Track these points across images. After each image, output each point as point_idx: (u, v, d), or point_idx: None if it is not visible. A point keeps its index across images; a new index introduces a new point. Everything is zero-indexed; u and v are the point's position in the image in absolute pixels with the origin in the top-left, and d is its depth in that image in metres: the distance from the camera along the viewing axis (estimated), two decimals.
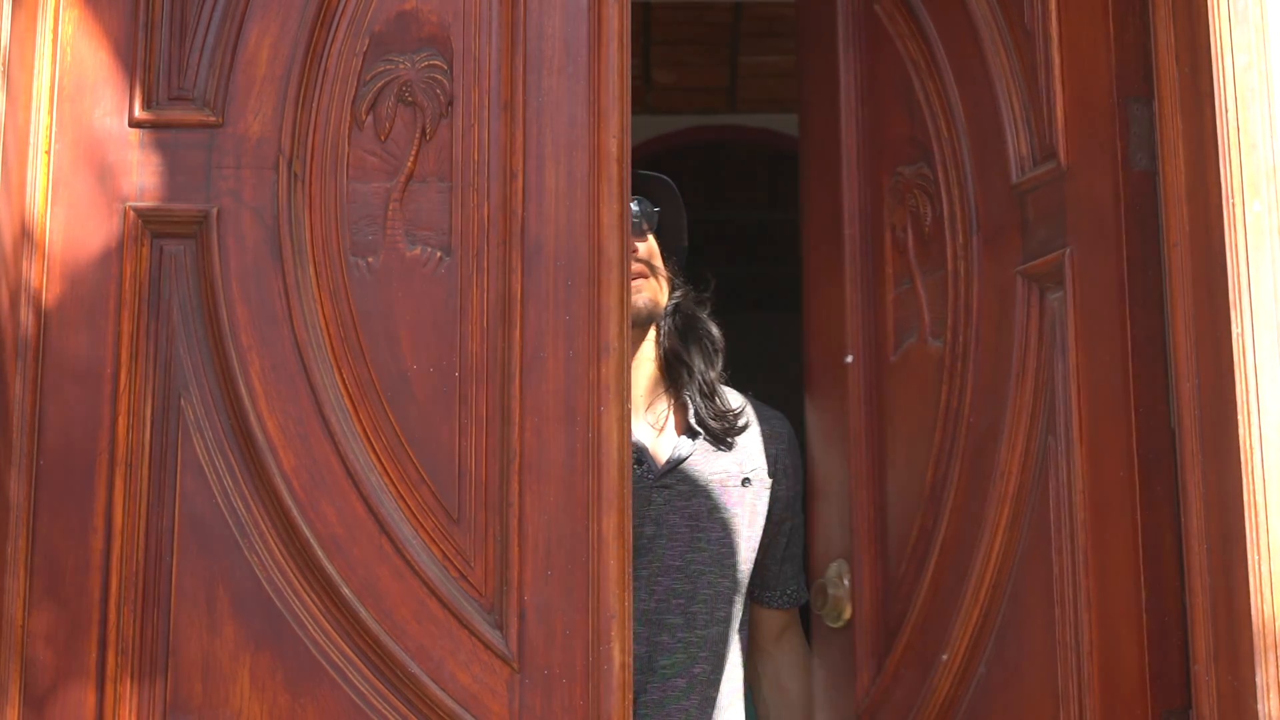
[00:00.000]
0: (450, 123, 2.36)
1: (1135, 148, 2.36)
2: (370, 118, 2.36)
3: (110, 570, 2.24)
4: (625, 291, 2.33)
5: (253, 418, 2.27)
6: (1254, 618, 2.04)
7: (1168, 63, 2.28)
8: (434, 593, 2.25)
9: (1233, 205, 2.13)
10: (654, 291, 2.82)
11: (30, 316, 2.28)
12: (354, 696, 2.23)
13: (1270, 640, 2.03)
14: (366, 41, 2.37)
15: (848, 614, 2.73)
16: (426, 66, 2.37)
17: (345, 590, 2.25)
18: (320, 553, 2.25)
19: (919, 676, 2.59)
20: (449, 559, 2.27)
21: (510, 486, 2.27)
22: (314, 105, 2.35)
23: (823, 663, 2.83)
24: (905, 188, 2.73)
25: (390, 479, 2.28)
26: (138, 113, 2.34)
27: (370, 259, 2.33)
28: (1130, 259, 2.33)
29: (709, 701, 2.75)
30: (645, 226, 2.83)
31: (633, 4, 2.40)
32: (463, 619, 2.25)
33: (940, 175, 2.66)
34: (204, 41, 2.36)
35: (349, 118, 2.35)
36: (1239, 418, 2.08)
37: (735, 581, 2.80)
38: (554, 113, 2.35)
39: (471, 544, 2.27)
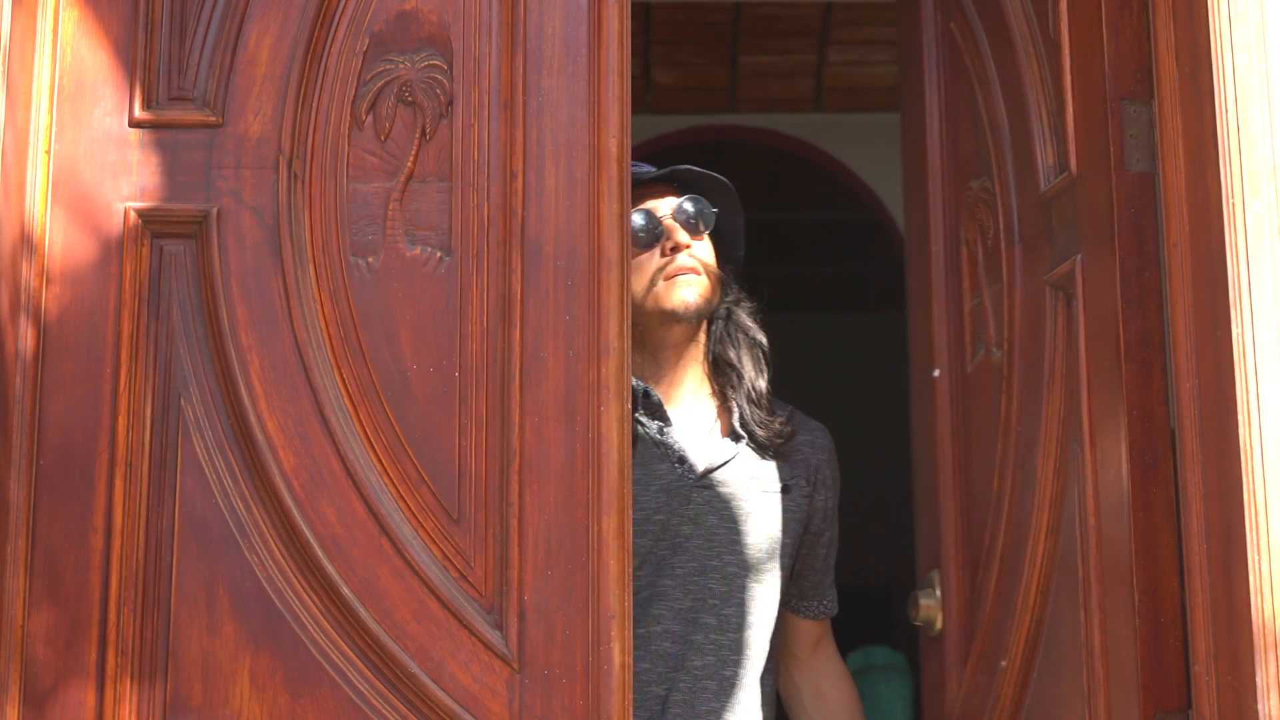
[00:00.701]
0: (450, 123, 2.36)
1: (1134, 149, 2.36)
2: (370, 118, 2.36)
3: (110, 570, 2.24)
4: (625, 291, 2.33)
5: (253, 418, 2.27)
6: (1254, 618, 2.04)
7: (1168, 63, 2.28)
8: (434, 593, 2.25)
9: (1233, 205, 2.12)
10: (705, 289, 2.79)
11: (30, 317, 2.28)
12: (354, 696, 2.23)
13: (1270, 640, 2.03)
14: (366, 41, 2.37)
15: (939, 623, 2.74)
16: (426, 66, 2.37)
17: (345, 590, 2.25)
18: (320, 553, 2.25)
19: (988, 683, 2.60)
20: (449, 559, 2.27)
21: (510, 486, 2.27)
22: (314, 105, 2.35)
23: (926, 670, 2.83)
24: (974, 202, 2.75)
25: (390, 479, 2.28)
26: (138, 113, 2.34)
27: (370, 259, 2.33)
28: (1131, 260, 2.33)
29: (739, 706, 2.73)
30: (701, 225, 2.80)
31: (633, 4, 2.40)
32: (463, 619, 2.25)
33: (997, 188, 2.67)
34: (204, 41, 2.36)
35: (349, 118, 2.36)
36: (1239, 418, 2.08)
37: (770, 588, 2.79)
38: (554, 113, 2.35)
39: (471, 544, 2.27)
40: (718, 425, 2.83)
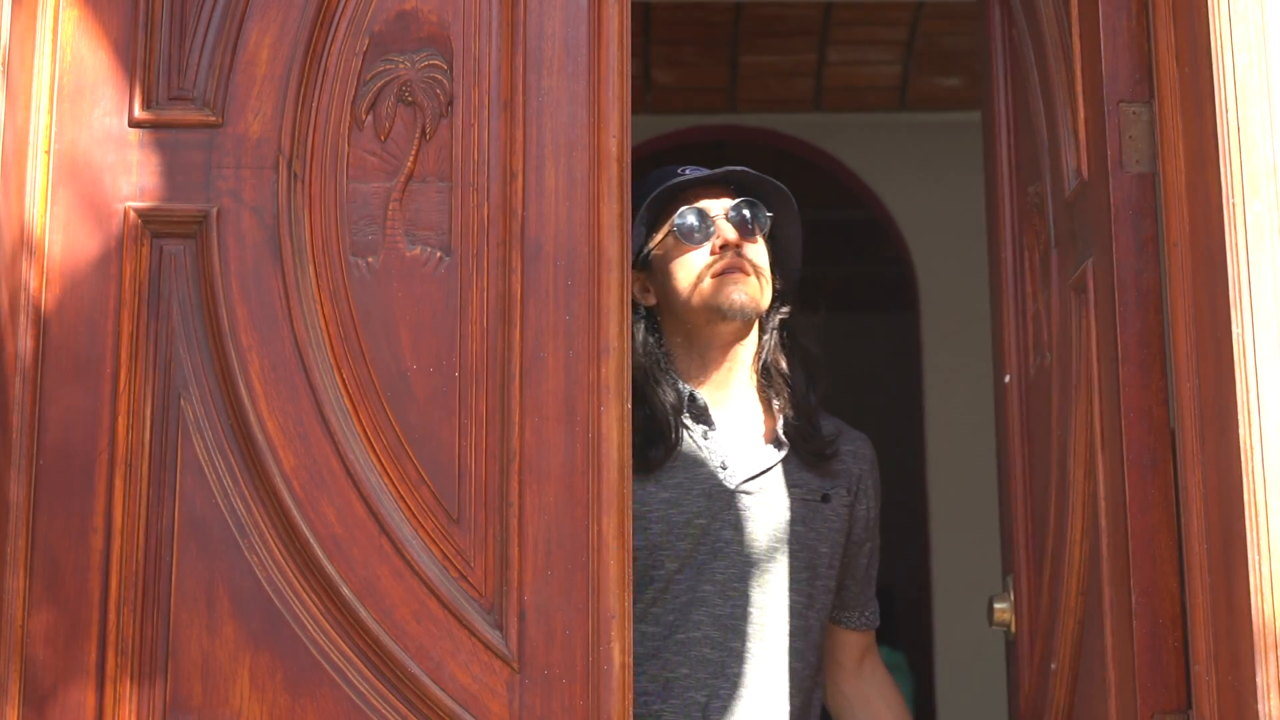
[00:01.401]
0: (450, 123, 2.36)
1: (1133, 150, 2.36)
2: (370, 118, 2.36)
3: (110, 570, 2.24)
4: (625, 291, 2.33)
5: (253, 418, 2.27)
6: (1254, 618, 2.04)
7: (1168, 63, 2.28)
8: (434, 593, 2.25)
9: (1233, 205, 2.12)
10: (754, 290, 2.75)
11: (30, 317, 2.28)
12: (354, 696, 2.23)
13: (1270, 640, 2.03)
14: (366, 41, 2.37)
15: (1014, 626, 2.74)
16: (426, 66, 2.37)
17: (345, 590, 2.25)
18: (320, 553, 2.25)
19: (1044, 686, 2.60)
20: (449, 559, 2.27)
21: (510, 486, 2.27)
22: (314, 105, 2.35)
23: (1008, 673, 2.82)
24: (1031, 207, 2.75)
25: (390, 479, 2.28)
26: (137, 113, 2.34)
27: (370, 259, 2.33)
28: (1130, 261, 2.34)
29: (779, 715, 2.71)
30: (754, 228, 2.78)
31: (633, 4, 2.40)
32: (463, 619, 2.25)
33: (1046, 192, 2.67)
34: (204, 41, 2.36)
35: (349, 118, 2.36)
36: (1239, 418, 2.08)
37: (809, 598, 2.76)
38: (554, 113, 2.35)
39: (471, 544, 2.27)
40: (762, 431, 2.80)
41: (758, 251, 2.78)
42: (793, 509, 2.76)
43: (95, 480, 2.26)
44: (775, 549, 2.74)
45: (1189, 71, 2.23)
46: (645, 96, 6.26)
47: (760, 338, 2.84)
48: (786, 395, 2.82)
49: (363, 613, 2.24)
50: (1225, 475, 2.11)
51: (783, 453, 2.78)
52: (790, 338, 2.86)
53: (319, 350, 2.29)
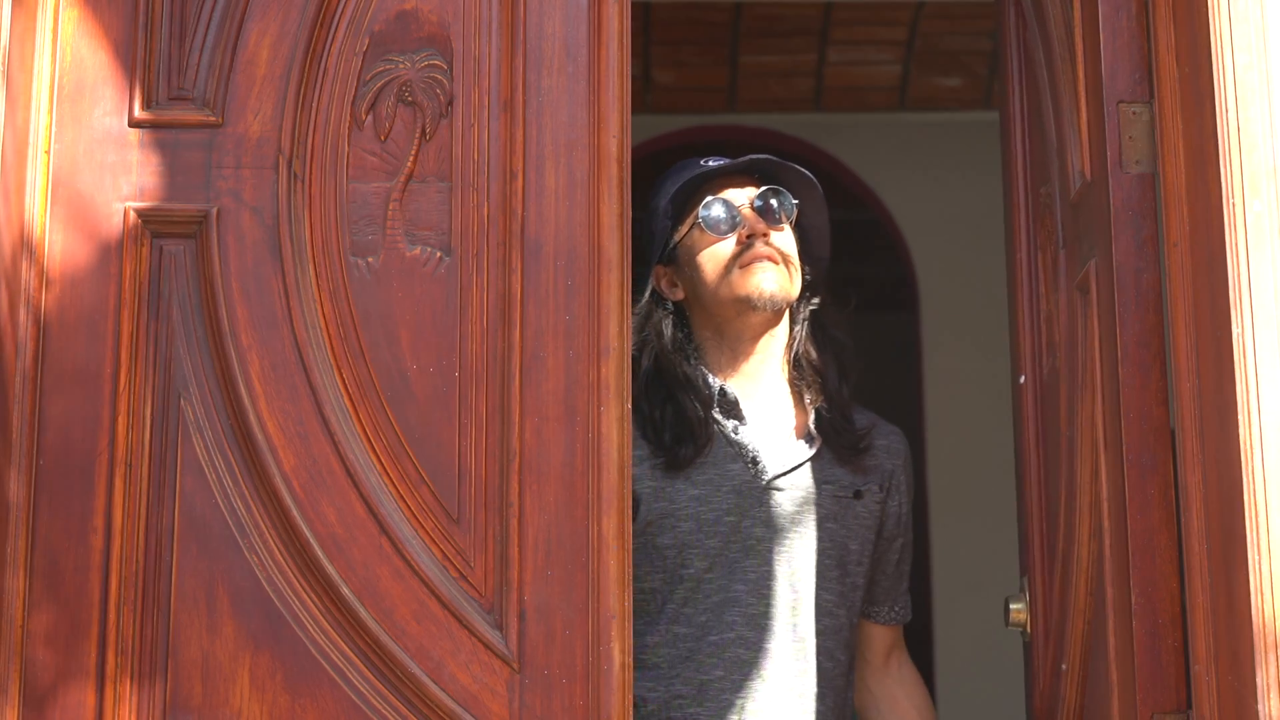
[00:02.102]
0: (450, 123, 2.36)
1: (1132, 150, 2.36)
2: (370, 118, 2.36)
3: (110, 570, 2.24)
4: (625, 291, 2.33)
5: (253, 418, 2.27)
6: (1254, 618, 2.04)
7: (1168, 63, 2.28)
8: (434, 593, 2.25)
9: (1233, 205, 2.12)
10: (783, 279, 2.71)
11: (30, 317, 2.28)
12: (354, 697, 2.23)
13: (1270, 640, 2.03)
14: (366, 41, 2.37)
15: (1029, 627, 2.73)
16: (426, 66, 2.37)
17: (345, 590, 2.25)
18: (320, 553, 2.25)
19: (1056, 686, 2.60)
20: (449, 559, 2.27)
21: (510, 486, 2.27)
22: (314, 105, 2.35)
23: (1025, 673, 2.80)
24: (1042, 208, 2.74)
25: (390, 479, 2.28)
26: (137, 113, 2.34)
27: (370, 259, 2.33)
28: (1129, 261, 2.34)
29: (814, 716, 2.68)
30: (781, 216, 2.73)
31: (633, 4, 2.40)
32: (463, 619, 2.25)
33: (1056, 193, 2.67)
34: (204, 41, 2.36)
35: (349, 118, 2.35)
36: (1239, 418, 2.08)
37: (840, 595, 2.72)
38: (554, 113, 2.35)
39: (471, 544, 2.27)
40: (794, 426, 2.77)
41: (785, 240, 2.74)
42: (824, 505, 2.72)
43: (95, 480, 2.26)
44: (807, 547, 2.70)
45: (1189, 71, 2.23)
46: (645, 96, 6.26)
47: (791, 329, 2.80)
48: (818, 388, 2.78)
49: (363, 613, 2.24)
50: (1225, 475, 2.11)
51: (814, 448, 2.75)
52: (821, 329, 2.82)
53: (319, 350, 2.29)
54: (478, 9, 2.38)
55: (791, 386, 2.79)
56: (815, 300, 2.83)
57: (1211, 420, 2.15)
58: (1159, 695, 2.25)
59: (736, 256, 2.71)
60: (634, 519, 2.61)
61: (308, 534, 2.25)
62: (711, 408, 2.71)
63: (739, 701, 2.63)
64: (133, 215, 2.31)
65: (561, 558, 2.26)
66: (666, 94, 6.35)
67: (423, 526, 2.27)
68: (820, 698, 2.68)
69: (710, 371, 2.74)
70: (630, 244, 2.37)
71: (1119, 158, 2.36)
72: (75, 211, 2.31)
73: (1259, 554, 2.05)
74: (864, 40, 6.09)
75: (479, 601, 2.26)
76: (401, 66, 2.37)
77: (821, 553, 2.71)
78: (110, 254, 2.31)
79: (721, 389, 2.72)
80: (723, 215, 2.72)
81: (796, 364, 2.80)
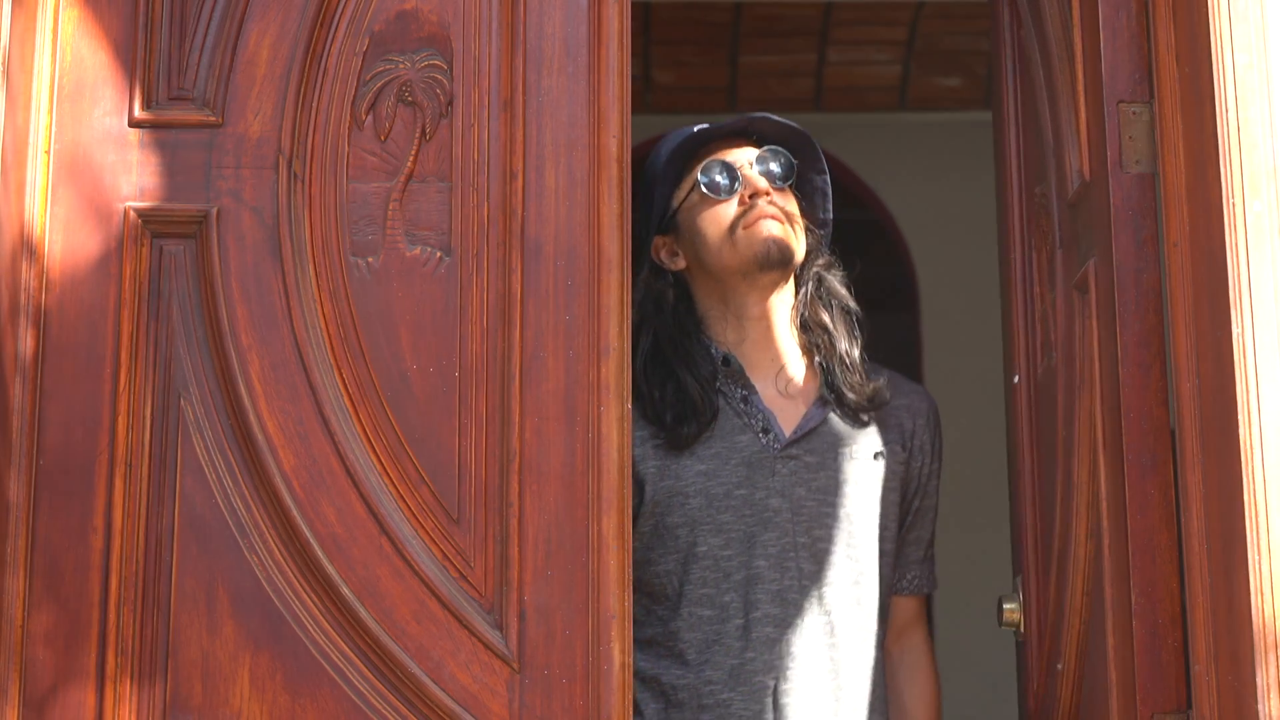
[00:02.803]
0: (450, 123, 2.36)
1: (1132, 150, 2.36)
2: (370, 118, 2.36)
3: (110, 570, 2.24)
4: (625, 291, 2.33)
5: (253, 418, 2.27)
6: (1254, 618, 2.04)
7: (1168, 63, 2.28)
8: (434, 593, 2.25)
9: (1233, 205, 2.12)
10: (787, 235, 2.66)
11: (30, 317, 2.28)
12: (354, 697, 2.23)
13: (1270, 640, 2.03)
14: (366, 41, 2.37)
15: (1023, 626, 2.71)
16: (426, 66, 2.37)
17: (345, 590, 2.25)
18: (320, 553, 2.25)
19: (1051, 686, 2.60)
20: (449, 559, 2.27)
21: (510, 486, 2.27)
22: (314, 105, 2.35)
23: (1018, 673, 2.80)
24: (1038, 208, 2.73)
25: (390, 479, 2.28)
26: (138, 113, 2.34)
27: (370, 259, 2.33)
28: (1129, 261, 2.34)
29: (852, 690, 2.60)
30: (782, 175, 2.68)
31: (633, 4, 2.40)
32: (463, 619, 2.25)
33: (1052, 193, 2.66)
34: (204, 41, 2.36)
35: (349, 118, 2.36)
36: (1239, 418, 2.08)
37: (865, 563, 2.63)
38: (554, 113, 2.35)
39: (471, 544, 2.27)
40: (806, 390, 2.70)
41: (787, 200, 2.70)
42: (843, 470, 2.65)
43: (95, 480, 2.26)
44: (826, 514, 2.63)
45: (1189, 71, 2.23)
46: (645, 96, 6.26)
47: (796, 292, 2.74)
48: (829, 349, 2.71)
49: (363, 613, 2.24)
50: (1225, 475, 2.11)
51: (828, 411, 2.68)
52: (827, 292, 2.76)
53: (319, 350, 2.30)
54: (478, 9, 2.38)
55: (802, 351, 2.73)
56: (820, 262, 2.76)
57: (1211, 420, 2.15)
58: (1159, 695, 2.25)
59: (740, 218, 2.66)
60: (640, 500, 2.59)
61: (308, 534, 2.26)
62: (715, 381, 2.65)
63: (771, 683, 2.56)
64: (133, 215, 2.31)
65: (561, 558, 2.26)
66: (666, 94, 6.35)
67: (423, 526, 2.27)
68: (854, 672, 2.61)
69: (714, 343, 2.69)
70: (630, 244, 2.37)
71: (1119, 158, 2.36)
72: (75, 211, 2.31)
73: (1259, 554, 2.05)
74: (864, 40, 6.09)
75: (479, 601, 2.26)
76: (401, 66, 2.37)
77: (844, 519, 2.63)
78: (110, 254, 2.31)
79: (725, 358, 2.67)
80: (724, 177, 2.67)
81: (804, 327, 2.73)
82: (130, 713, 2.23)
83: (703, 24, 5.96)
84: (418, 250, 2.33)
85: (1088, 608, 2.47)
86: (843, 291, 2.78)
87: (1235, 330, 2.10)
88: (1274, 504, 2.06)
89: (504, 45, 2.37)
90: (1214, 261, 2.15)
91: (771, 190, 2.67)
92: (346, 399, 2.29)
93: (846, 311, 2.77)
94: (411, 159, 2.35)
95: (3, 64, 2.24)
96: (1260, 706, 2.01)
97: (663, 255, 2.74)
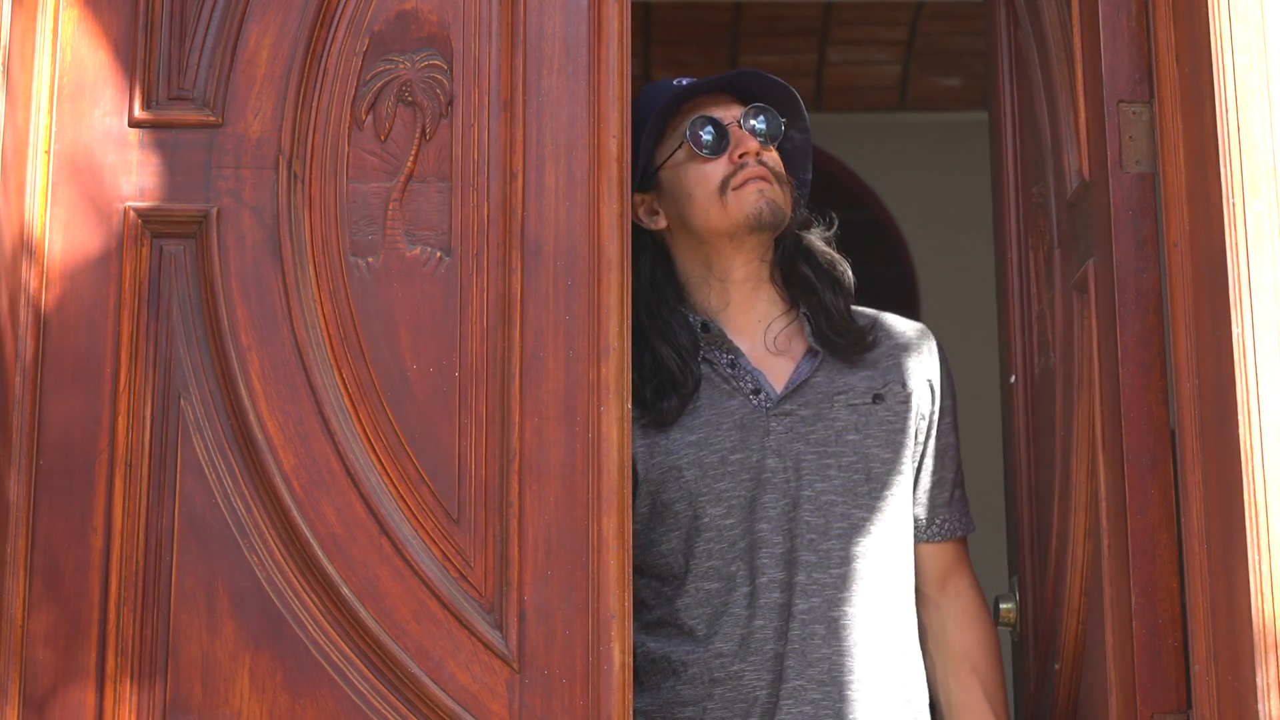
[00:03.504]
0: (450, 123, 2.36)
1: (1132, 150, 2.37)
2: (370, 118, 2.36)
3: (110, 570, 2.24)
4: (625, 291, 2.33)
5: (253, 418, 2.27)
6: (1254, 618, 2.04)
7: (1168, 63, 2.28)
8: (434, 593, 2.25)
9: (1233, 205, 2.12)
10: (778, 197, 2.59)
11: (30, 317, 2.28)
12: (354, 697, 2.23)
13: (1270, 640, 2.03)
14: (366, 41, 2.37)
15: (1019, 626, 2.70)
16: (426, 66, 2.37)
17: (345, 590, 2.25)
18: (320, 553, 2.25)
19: (1047, 686, 2.59)
20: (449, 559, 2.27)
21: (510, 486, 2.27)
22: (314, 105, 2.35)
23: (1015, 672, 2.78)
24: (1035, 208, 2.72)
25: (390, 479, 2.28)
26: (138, 113, 2.34)
27: (370, 259, 2.33)
28: (1129, 261, 2.34)
29: (859, 650, 2.51)
30: (771, 133, 2.63)
31: (633, 4, 2.40)
32: (463, 619, 2.25)
33: (1050, 193, 2.66)
34: (204, 41, 2.36)
35: (349, 118, 2.36)
36: (1239, 418, 2.08)
37: (872, 511, 2.54)
38: (554, 113, 2.35)
39: (471, 544, 2.27)
40: (794, 346, 2.63)
41: (774, 159, 2.64)
42: (841, 418, 2.57)
43: (95, 480, 2.26)
44: (827, 466, 2.55)
45: (1189, 71, 2.23)
46: None
47: (777, 248, 2.66)
48: (813, 300, 2.65)
49: (363, 613, 2.24)
50: (1225, 475, 2.11)
51: (819, 361, 2.61)
52: (806, 247, 2.69)
53: (319, 350, 2.30)
54: (478, 9, 2.38)
55: (786, 305, 2.66)
56: (800, 223, 2.69)
57: (1211, 420, 2.15)
58: (1158, 695, 2.25)
59: (729, 179, 2.59)
60: (634, 483, 2.51)
61: (308, 534, 2.26)
62: (696, 351, 2.59)
63: (777, 649, 2.49)
64: (133, 215, 2.31)
65: (561, 558, 2.26)
66: None
67: (423, 526, 2.27)
68: (864, 629, 2.52)
69: (694, 308, 2.63)
70: (630, 244, 2.37)
71: (1119, 158, 2.36)
72: (75, 211, 2.31)
73: (1259, 554, 2.05)
74: (864, 40, 6.09)
75: (479, 601, 2.26)
76: (401, 66, 2.37)
77: (847, 468, 2.56)
78: (110, 254, 2.31)
79: (703, 325, 2.60)
80: (712, 135, 2.61)
81: (787, 281, 2.67)
82: (130, 713, 2.23)
83: (703, 24, 5.97)
84: (418, 250, 2.33)
85: (1085, 608, 2.47)
86: (821, 245, 2.71)
87: (1235, 330, 2.10)
88: (1274, 504, 2.06)
89: (504, 45, 2.37)
90: (1214, 261, 2.15)
91: (761, 152, 2.62)
92: (346, 399, 2.29)
93: (830, 262, 2.70)
94: (411, 159, 2.35)
95: (3, 64, 2.24)
96: (1260, 706, 2.02)
97: (641, 214, 2.65)
